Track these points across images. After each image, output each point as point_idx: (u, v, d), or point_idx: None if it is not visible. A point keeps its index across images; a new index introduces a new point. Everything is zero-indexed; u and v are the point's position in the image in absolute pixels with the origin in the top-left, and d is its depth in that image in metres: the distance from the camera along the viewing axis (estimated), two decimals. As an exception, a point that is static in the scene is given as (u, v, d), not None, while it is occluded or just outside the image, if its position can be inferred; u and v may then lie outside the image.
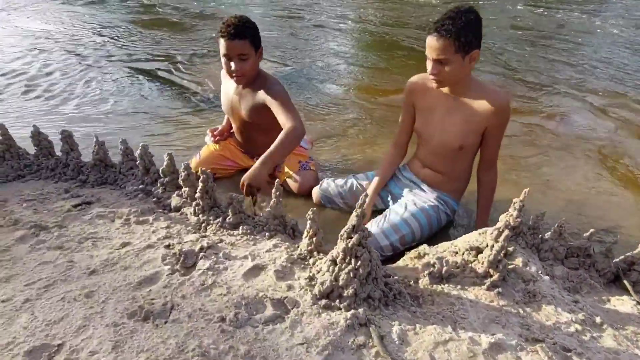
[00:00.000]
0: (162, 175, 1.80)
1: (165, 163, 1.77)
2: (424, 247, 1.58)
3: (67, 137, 1.95)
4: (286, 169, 2.25)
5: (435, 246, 1.58)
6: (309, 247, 1.42)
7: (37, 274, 1.28)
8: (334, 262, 1.22)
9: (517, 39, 5.20)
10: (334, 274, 1.20)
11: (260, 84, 2.01)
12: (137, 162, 1.86)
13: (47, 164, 1.99)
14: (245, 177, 1.71)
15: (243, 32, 1.82)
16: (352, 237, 1.17)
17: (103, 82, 3.73)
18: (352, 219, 1.16)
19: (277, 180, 1.53)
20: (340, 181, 2.14)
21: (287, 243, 1.49)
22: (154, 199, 1.78)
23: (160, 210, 1.71)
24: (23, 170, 1.99)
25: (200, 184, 1.58)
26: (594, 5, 7.33)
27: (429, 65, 1.50)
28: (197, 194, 1.60)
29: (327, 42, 5.04)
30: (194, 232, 1.55)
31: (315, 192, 2.19)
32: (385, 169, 2.02)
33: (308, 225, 1.42)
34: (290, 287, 1.24)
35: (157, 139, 2.79)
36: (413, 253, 1.57)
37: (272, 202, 1.54)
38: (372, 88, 3.75)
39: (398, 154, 2.04)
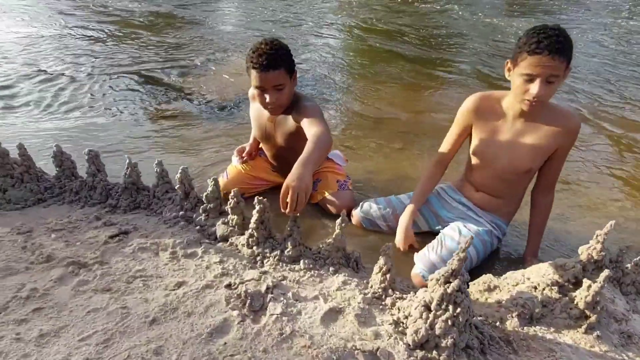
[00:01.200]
0: (206, 202, 1.66)
1: (210, 189, 1.63)
2: (489, 278, 1.50)
3: (93, 157, 1.79)
4: (322, 189, 2.14)
5: (502, 277, 1.50)
6: (382, 285, 1.31)
7: (90, 325, 1.13)
8: (427, 307, 1.11)
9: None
10: (428, 321, 1.09)
11: (294, 107, 1.84)
12: (176, 187, 1.71)
13: (70, 186, 1.83)
14: (289, 181, 1.34)
15: (277, 61, 1.62)
16: (450, 282, 1.07)
17: (104, 92, 3.53)
18: (453, 263, 1.06)
19: (343, 212, 1.42)
20: (382, 203, 2.04)
21: (355, 279, 1.38)
22: (197, 227, 1.64)
23: (207, 241, 1.57)
24: (44, 193, 1.82)
25: (256, 214, 1.45)
26: None
27: (536, 86, 1.38)
28: (252, 225, 1.47)
29: (325, 51, 4.95)
30: (252, 268, 1.42)
31: (356, 215, 2.09)
32: (426, 187, 1.92)
33: (382, 261, 1.31)
34: (377, 335, 1.14)
35: (171, 154, 2.63)
36: (481, 285, 1.48)
37: (335, 234, 1.43)
38: (379, 99, 3.67)
39: (439, 173, 1.95)
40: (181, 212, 1.69)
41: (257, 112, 1.99)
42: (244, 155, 2.24)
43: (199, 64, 4.25)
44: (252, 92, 2.07)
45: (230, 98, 3.49)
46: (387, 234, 2.03)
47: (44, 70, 3.85)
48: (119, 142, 2.67)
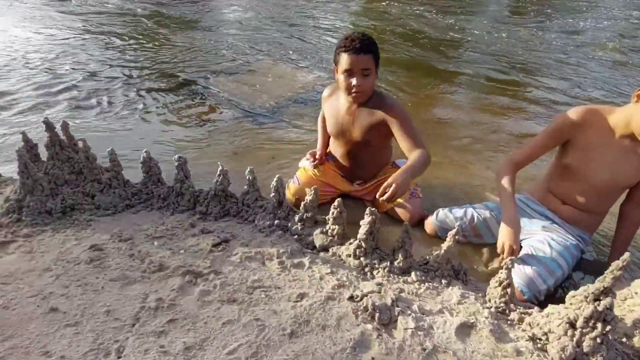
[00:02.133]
0: (303, 210, 1.65)
1: (310, 197, 1.62)
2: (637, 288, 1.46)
3: (183, 163, 1.78)
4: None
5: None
6: (503, 299, 1.31)
7: (231, 337, 1.12)
8: (571, 325, 1.11)
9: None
10: (574, 339, 1.09)
11: (377, 102, 1.88)
12: (271, 195, 1.70)
13: (157, 192, 1.82)
14: (395, 176, 1.52)
15: (368, 46, 1.72)
16: (600, 300, 1.07)
17: (138, 94, 3.51)
18: (607, 280, 1.06)
19: (454, 230, 1.41)
20: (458, 212, 2.03)
21: (470, 292, 1.38)
22: (295, 237, 1.64)
23: (309, 251, 1.57)
24: (131, 199, 1.81)
25: (366, 225, 1.45)
26: None
27: None
28: (361, 235, 1.46)
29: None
30: (364, 279, 1.42)
31: (431, 223, 2.07)
32: (512, 191, 1.89)
33: (503, 275, 1.31)
34: (518, 352, 1.13)
35: (225, 159, 2.61)
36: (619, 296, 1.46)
37: (446, 246, 1.43)
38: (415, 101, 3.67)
39: (514, 178, 1.94)
40: (276, 221, 1.68)
41: (334, 107, 2.01)
42: (317, 157, 2.22)
43: (227, 67, 4.23)
44: (326, 92, 2.09)
45: (267, 102, 3.48)
46: (462, 243, 2.03)
47: (70, 72, 3.84)
48: (167, 146, 2.65)
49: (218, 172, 1.74)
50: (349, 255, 1.51)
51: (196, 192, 1.81)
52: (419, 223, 2.12)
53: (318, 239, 1.61)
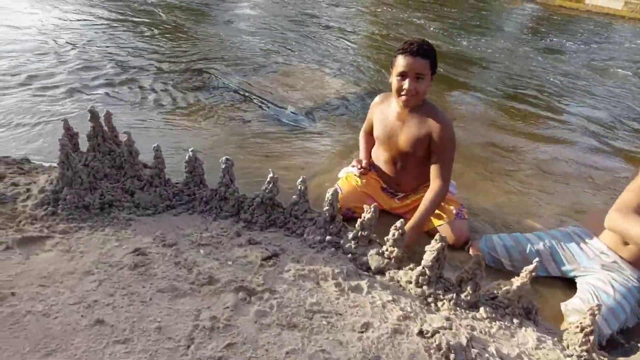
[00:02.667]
0: (359, 228, 1.54)
1: (368, 215, 1.51)
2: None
3: (229, 166, 1.67)
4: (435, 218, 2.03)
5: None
6: (584, 347, 1.20)
7: (297, 370, 1.01)
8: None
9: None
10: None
11: (428, 112, 1.85)
12: (324, 208, 1.59)
13: (200, 195, 1.70)
14: (408, 243, 1.64)
15: (426, 52, 1.71)
16: None
17: (167, 89, 3.40)
18: None
19: (532, 266, 1.30)
20: (508, 240, 1.92)
21: (547, 336, 1.26)
22: (349, 256, 1.52)
23: (365, 273, 1.45)
24: (172, 200, 1.70)
25: (434, 252, 1.33)
26: None
27: None
28: (427, 262, 1.35)
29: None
30: (429, 310, 1.30)
31: (478, 249, 1.96)
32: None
33: (587, 321, 1.20)
34: (614, 412, 1.02)
35: (263, 163, 2.50)
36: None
37: (520, 282, 1.31)
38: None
39: None
40: (328, 237, 1.57)
41: (383, 112, 1.97)
42: (364, 166, 2.12)
43: (256, 66, 4.13)
44: (377, 99, 2.05)
45: (299, 106, 3.37)
46: (510, 273, 1.91)
47: (100, 64, 3.74)
48: (205, 145, 2.53)
49: (268, 180, 1.63)
50: (410, 282, 1.40)
51: (241, 197, 1.70)
52: (462, 246, 2.01)
53: (374, 260, 1.49)
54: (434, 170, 1.84)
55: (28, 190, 1.63)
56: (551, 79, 4.97)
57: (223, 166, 1.67)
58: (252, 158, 2.46)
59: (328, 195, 1.57)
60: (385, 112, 1.99)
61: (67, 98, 2.87)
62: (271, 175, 1.63)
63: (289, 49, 4.76)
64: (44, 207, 1.53)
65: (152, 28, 4.74)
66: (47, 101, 2.77)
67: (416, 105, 1.84)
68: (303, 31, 5.58)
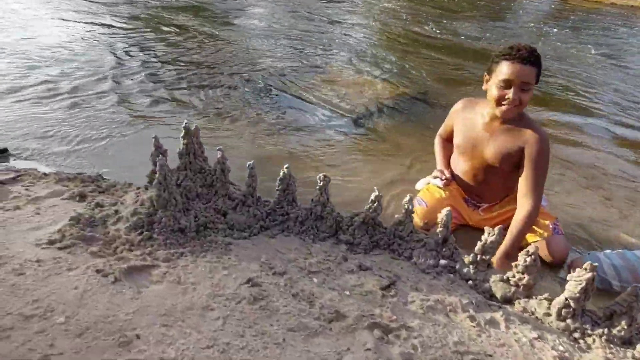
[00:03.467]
0: (479, 252, 1.41)
1: (490, 237, 1.38)
2: None
3: (327, 183, 1.55)
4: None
5: None
6: None
7: None
8: None
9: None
10: None
11: (523, 123, 1.71)
12: (438, 229, 1.46)
13: (295, 214, 1.59)
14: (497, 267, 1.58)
15: (537, 59, 1.57)
16: None
17: (208, 95, 3.30)
18: None
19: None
20: (615, 258, 1.77)
21: None
22: (469, 283, 1.39)
23: (495, 303, 1.32)
24: (265, 220, 1.58)
25: (582, 283, 1.19)
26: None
27: None
28: (572, 293, 1.21)
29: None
30: (580, 348, 1.17)
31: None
32: None
33: None
34: None
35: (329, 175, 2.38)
36: None
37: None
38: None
39: None
40: (442, 261, 1.44)
41: (468, 120, 1.84)
42: (448, 176, 1.98)
43: (294, 68, 4.00)
44: (458, 105, 1.93)
45: (347, 110, 3.23)
46: (616, 293, 1.75)
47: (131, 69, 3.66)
48: (261, 154, 2.41)
49: (372, 198, 1.51)
50: (548, 315, 1.26)
51: (339, 217, 1.58)
52: (560, 263, 1.87)
53: (498, 288, 1.36)
54: (524, 185, 1.69)
55: (116, 212, 1.53)
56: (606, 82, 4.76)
57: (320, 184, 1.55)
58: (314, 166, 2.35)
59: (442, 216, 1.44)
60: (469, 120, 1.85)
61: (115, 107, 2.79)
62: (376, 193, 1.50)
63: (321, 49, 4.63)
64: (138, 231, 1.43)
65: (178, 35, 4.66)
66: (97, 111, 2.69)
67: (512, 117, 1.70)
68: (327, 31, 5.45)
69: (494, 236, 1.37)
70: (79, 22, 4.62)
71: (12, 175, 1.81)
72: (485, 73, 1.73)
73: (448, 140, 2.03)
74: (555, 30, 6.95)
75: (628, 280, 1.73)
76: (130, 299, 1.14)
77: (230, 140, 2.54)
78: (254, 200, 1.58)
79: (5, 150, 2.19)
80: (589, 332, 1.21)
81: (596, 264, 1.73)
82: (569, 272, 1.76)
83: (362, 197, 2.09)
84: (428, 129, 2.97)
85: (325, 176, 1.55)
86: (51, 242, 1.34)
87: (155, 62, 3.71)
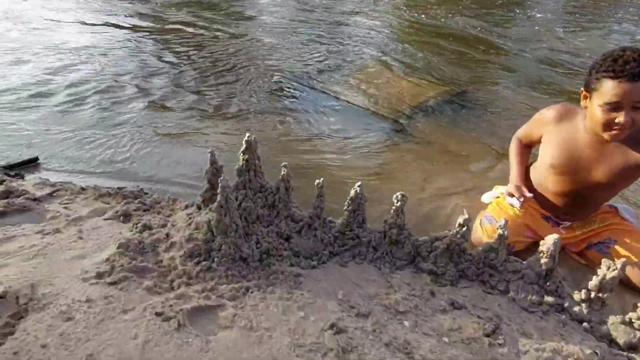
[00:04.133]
0: (594, 289, 1.19)
1: (611, 272, 1.16)
2: None
3: (404, 203, 1.35)
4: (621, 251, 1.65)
5: None
6: None
7: None
8: None
9: None
10: None
11: (636, 135, 1.44)
12: (542, 259, 1.25)
13: (367, 238, 1.39)
14: None
15: None
16: None
17: (248, 94, 3.11)
18: None
19: None
20: None
21: None
22: (583, 324, 1.18)
23: (621, 352, 1.11)
24: (333, 244, 1.39)
25: None
26: None
27: None
28: None
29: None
30: None
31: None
32: None
33: None
34: None
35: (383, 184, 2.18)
36: None
37: None
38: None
39: None
40: (548, 298, 1.23)
41: (567, 135, 1.55)
42: (524, 194, 1.74)
43: (323, 65, 3.78)
44: (551, 114, 1.63)
45: (389, 111, 3.00)
46: None
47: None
48: (300, 163, 2.22)
49: (461, 221, 1.30)
50: (692, 370, 1.04)
51: (417, 241, 1.38)
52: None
53: (620, 332, 1.15)
54: None
55: (167, 236, 1.36)
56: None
57: (397, 204, 1.35)
58: (365, 178, 2.15)
59: (548, 245, 1.23)
60: (568, 135, 1.54)
61: (144, 112, 2.62)
62: (465, 217, 1.30)
63: (346, 45, 4.39)
64: (195, 260, 1.25)
65: (198, 35, 4.47)
66: (125, 117, 2.53)
67: None
68: (350, 24, 5.20)
69: (615, 271, 1.15)
70: (97, 24, 4.47)
71: (47, 190, 1.65)
72: (582, 89, 1.47)
73: (529, 146, 1.79)
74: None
75: None
76: (199, 350, 0.97)
77: (262, 147, 2.36)
78: (320, 223, 1.38)
79: (36, 159, 2.04)
80: None
81: None
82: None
83: (417, 210, 1.89)
84: (475, 131, 2.75)
85: (403, 195, 1.35)
86: (100, 276, 1.17)
87: (178, 62, 3.54)
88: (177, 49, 3.82)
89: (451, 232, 1.32)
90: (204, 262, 1.24)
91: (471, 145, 2.57)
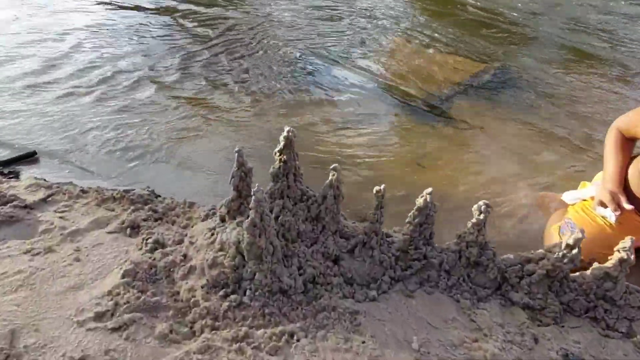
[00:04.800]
0: None
1: None
2: None
3: (486, 217, 1.03)
4: None
5: None
6: None
7: None
8: None
9: None
10: None
11: None
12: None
13: (437, 259, 1.08)
14: None
15: None
16: None
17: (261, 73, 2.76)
18: None
19: None
20: None
21: None
22: None
23: None
24: (394, 267, 1.09)
25: None
26: None
27: None
28: None
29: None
30: None
31: None
32: None
33: None
34: None
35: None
36: None
37: None
38: None
39: None
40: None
41: None
42: (622, 205, 1.39)
43: (340, 42, 3.37)
44: None
45: (427, 93, 2.63)
46: None
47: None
48: (322, 158, 1.91)
49: (571, 242, 0.97)
50: None
51: (501, 262, 1.06)
52: None
53: None
54: None
55: (185, 257, 1.07)
56: None
57: (480, 216, 1.03)
58: (406, 170, 1.84)
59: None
60: None
61: (150, 99, 2.30)
62: (578, 236, 0.97)
63: (364, 17, 3.95)
64: (221, 293, 0.97)
65: (204, 14, 4.10)
66: (131, 106, 2.21)
67: None
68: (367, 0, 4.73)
69: None
70: (96, 10, 4.13)
71: (42, 194, 1.38)
72: None
73: (629, 139, 1.42)
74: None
75: None
76: None
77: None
78: (378, 240, 1.07)
79: (34, 153, 1.78)
80: None
81: None
82: None
83: (468, 205, 1.60)
84: (522, 113, 2.39)
85: (487, 205, 1.03)
86: (99, 317, 0.90)
87: (188, 46, 3.19)
88: (191, 30, 3.47)
89: (555, 255, 1.00)
90: (232, 296, 0.95)
91: (519, 130, 2.21)
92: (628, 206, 1.26)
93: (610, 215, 1.30)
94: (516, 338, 0.93)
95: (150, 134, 1.95)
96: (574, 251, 0.98)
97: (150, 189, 1.47)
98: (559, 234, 1.39)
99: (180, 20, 3.60)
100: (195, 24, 3.63)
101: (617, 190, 1.32)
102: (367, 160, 1.92)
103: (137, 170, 1.71)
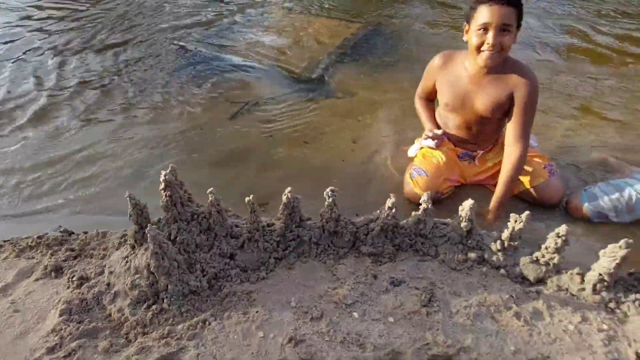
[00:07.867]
0: (509, 239, 1.37)
1: (518, 225, 1.33)
2: None
3: (336, 197, 1.41)
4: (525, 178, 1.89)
5: None
6: None
7: None
8: None
9: None
10: None
11: (510, 68, 1.64)
12: (462, 223, 1.40)
13: (307, 235, 1.46)
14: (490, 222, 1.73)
15: None
16: None
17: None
18: None
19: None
20: (611, 191, 1.84)
21: None
22: (501, 270, 1.38)
23: (531, 290, 1.33)
24: (277, 250, 1.45)
25: (616, 259, 1.20)
26: None
27: None
28: (605, 269, 1.23)
29: None
30: (619, 320, 1.22)
31: (584, 208, 1.87)
32: None
33: None
34: None
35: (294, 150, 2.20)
36: None
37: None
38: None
39: None
40: (471, 254, 1.41)
41: (452, 76, 1.76)
42: (439, 136, 1.89)
43: (223, 27, 3.50)
44: (437, 61, 1.80)
45: (304, 64, 2.94)
46: (616, 225, 1.85)
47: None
48: (220, 151, 2.19)
49: (389, 205, 1.39)
50: (582, 290, 1.29)
51: (353, 227, 1.47)
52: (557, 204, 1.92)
53: (530, 270, 1.36)
54: (512, 131, 1.68)
55: (109, 285, 1.33)
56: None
57: (329, 200, 1.40)
58: (295, 150, 2.18)
59: (465, 210, 1.37)
60: (453, 75, 1.76)
61: (34, 117, 2.35)
62: (392, 200, 1.39)
63: None
64: (145, 306, 1.26)
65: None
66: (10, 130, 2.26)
67: (496, 64, 1.59)
68: None
69: (521, 223, 1.33)
70: None
71: (-43, 259, 1.50)
72: (465, 23, 1.61)
73: (429, 99, 1.94)
74: None
75: (623, 210, 1.81)
76: (172, 404, 1.03)
77: (182, 139, 2.25)
78: (260, 234, 1.42)
79: None
80: (622, 299, 1.26)
81: (614, 214, 1.79)
82: (567, 212, 1.83)
83: (351, 173, 2.00)
84: (397, 74, 2.79)
85: (333, 191, 1.41)
86: (51, 351, 1.15)
87: (63, 49, 3.10)
88: (56, 31, 3.31)
89: (383, 215, 1.42)
90: (154, 306, 1.25)
91: (398, 92, 2.60)
92: (438, 131, 1.83)
93: (431, 142, 1.82)
94: (362, 279, 1.35)
95: (37, 159, 2.05)
96: (393, 210, 1.40)
97: (62, 228, 1.65)
98: (411, 178, 1.86)
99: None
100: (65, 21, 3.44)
101: (432, 128, 1.87)
102: (259, 149, 2.20)
103: (42, 208, 1.84)
